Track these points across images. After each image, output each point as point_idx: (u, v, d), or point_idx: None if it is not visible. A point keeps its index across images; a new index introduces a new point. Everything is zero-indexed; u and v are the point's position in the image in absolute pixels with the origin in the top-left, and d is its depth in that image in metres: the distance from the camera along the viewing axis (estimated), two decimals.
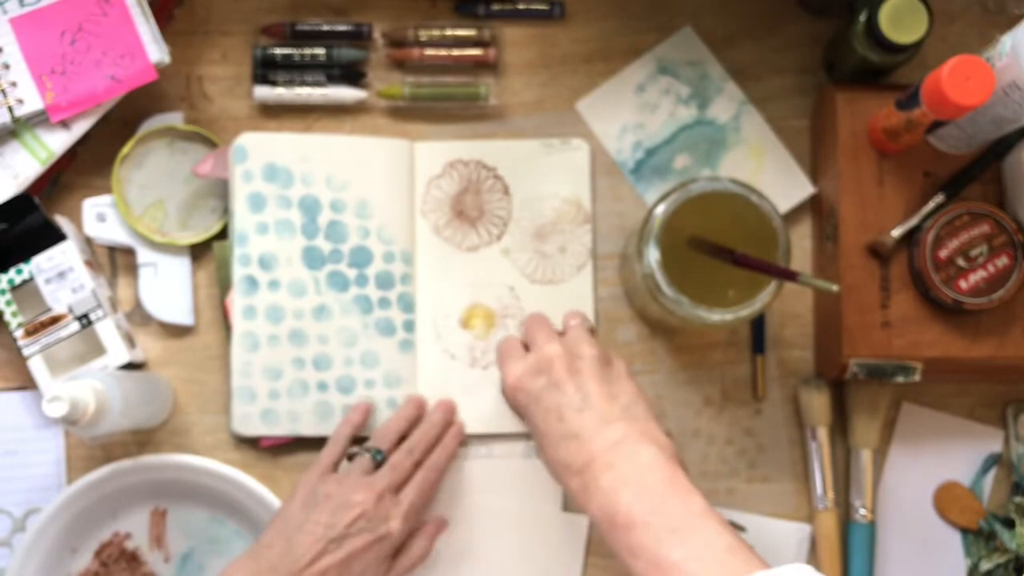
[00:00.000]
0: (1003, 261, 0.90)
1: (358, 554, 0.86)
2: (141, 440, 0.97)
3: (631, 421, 0.80)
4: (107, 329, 0.93)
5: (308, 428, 0.95)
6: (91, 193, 0.97)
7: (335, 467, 0.91)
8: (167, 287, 0.97)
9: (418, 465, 0.92)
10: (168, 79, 0.98)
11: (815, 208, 0.99)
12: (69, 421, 0.81)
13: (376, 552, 0.87)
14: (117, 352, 0.93)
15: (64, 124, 0.93)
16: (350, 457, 0.91)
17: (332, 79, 0.99)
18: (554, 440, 0.81)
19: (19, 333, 0.93)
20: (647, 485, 0.76)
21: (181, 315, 0.97)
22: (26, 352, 0.93)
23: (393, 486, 0.89)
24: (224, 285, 0.96)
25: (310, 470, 0.89)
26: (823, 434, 0.96)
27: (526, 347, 0.88)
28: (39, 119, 0.92)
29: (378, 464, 0.90)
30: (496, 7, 1.00)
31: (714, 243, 0.85)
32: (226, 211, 0.97)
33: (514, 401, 0.86)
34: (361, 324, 0.96)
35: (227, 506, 0.95)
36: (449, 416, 0.95)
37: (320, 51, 0.98)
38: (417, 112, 1.00)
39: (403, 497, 0.89)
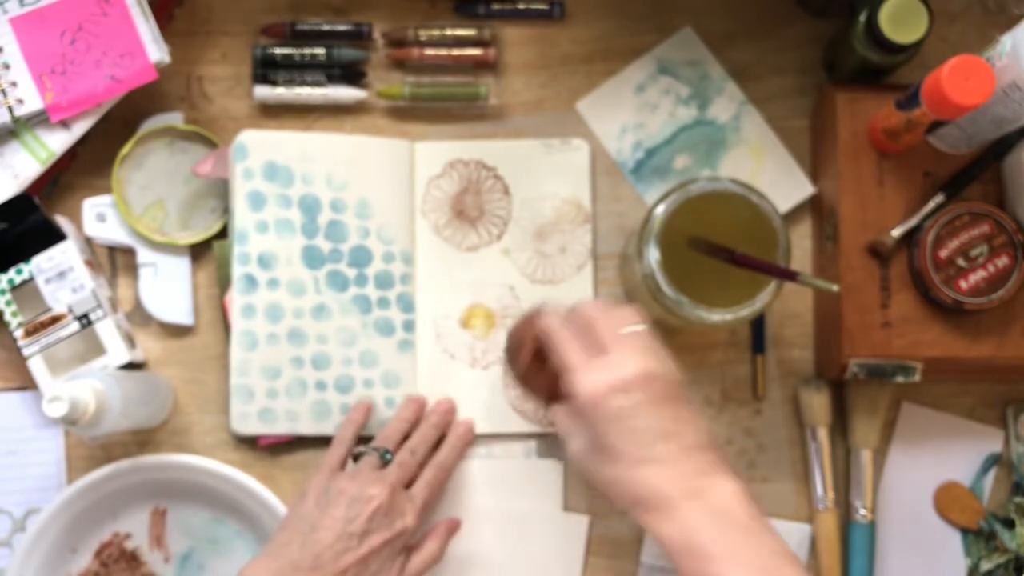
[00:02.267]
0: (1003, 261, 0.90)
1: (377, 550, 0.85)
2: (141, 440, 0.97)
3: (715, 451, 0.77)
4: (107, 329, 0.93)
5: (306, 427, 0.95)
6: (91, 193, 0.97)
7: (342, 467, 0.91)
8: (167, 287, 0.97)
9: (423, 466, 0.92)
10: (168, 79, 0.98)
11: (815, 208, 0.99)
12: (69, 421, 0.81)
13: (391, 548, 0.86)
14: (117, 352, 0.93)
15: (64, 124, 0.93)
16: (355, 457, 0.91)
17: (332, 79, 0.99)
18: (633, 462, 0.76)
19: (19, 333, 0.93)
20: (733, 519, 0.73)
21: (181, 315, 0.97)
22: (26, 352, 0.93)
23: (403, 482, 0.89)
24: (224, 284, 0.96)
25: (318, 472, 0.89)
26: (823, 434, 0.96)
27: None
28: (39, 119, 0.92)
29: (385, 463, 0.90)
30: (496, 7, 1.00)
31: (714, 243, 0.85)
32: (226, 211, 0.97)
33: (589, 410, 0.77)
34: (360, 324, 0.96)
35: (227, 506, 0.95)
36: (448, 417, 0.95)
37: (320, 51, 0.98)
38: (417, 112, 1.00)
39: (415, 492, 0.89)
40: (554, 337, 0.80)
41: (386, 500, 0.86)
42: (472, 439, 0.95)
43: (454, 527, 0.93)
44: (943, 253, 0.90)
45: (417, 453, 0.91)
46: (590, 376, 0.77)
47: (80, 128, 0.93)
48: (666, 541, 0.74)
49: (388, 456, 0.90)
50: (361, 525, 0.85)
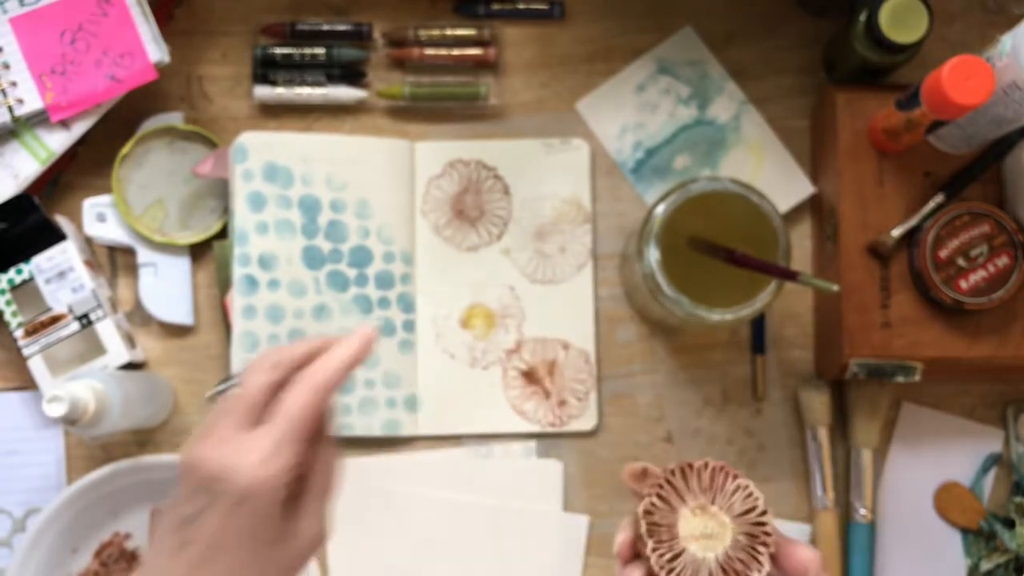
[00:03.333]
0: (1003, 261, 0.90)
1: (217, 542, 0.59)
2: (141, 440, 0.97)
3: None
4: (107, 329, 0.93)
5: None
6: (91, 193, 0.97)
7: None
8: (167, 287, 0.97)
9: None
10: (168, 79, 0.98)
11: (815, 208, 0.99)
12: (69, 421, 0.81)
13: (238, 529, 0.59)
14: (117, 352, 0.93)
15: (64, 124, 0.93)
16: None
17: (332, 79, 0.99)
18: None
19: (19, 333, 0.93)
20: None
21: (181, 315, 0.97)
22: (26, 352, 0.93)
23: (245, 420, 0.61)
24: (224, 285, 0.96)
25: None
26: (823, 434, 0.96)
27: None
28: (39, 119, 0.92)
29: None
30: (496, 7, 1.00)
31: (714, 243, 0.85)
32: (226, 211, 0.97)
33: None
34: (361, 324, 0.96)
35: None
36: (318, 344, 0.65)
37: (320, 51, 0.98)
38: (417, 112, 1.00)
39: (262, 432, 0.61)
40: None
41: (211, 463, 0.59)
42: (368, 349, 0.65)
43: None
44: (943, 253, 0.90)
45: (279, 366, 0.63)
46: None
47: (80, 128, 0.93)
48: None
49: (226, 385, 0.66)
50: (185, 510, 0.60)
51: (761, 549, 0.65)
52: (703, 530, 0.65)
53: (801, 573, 0.65)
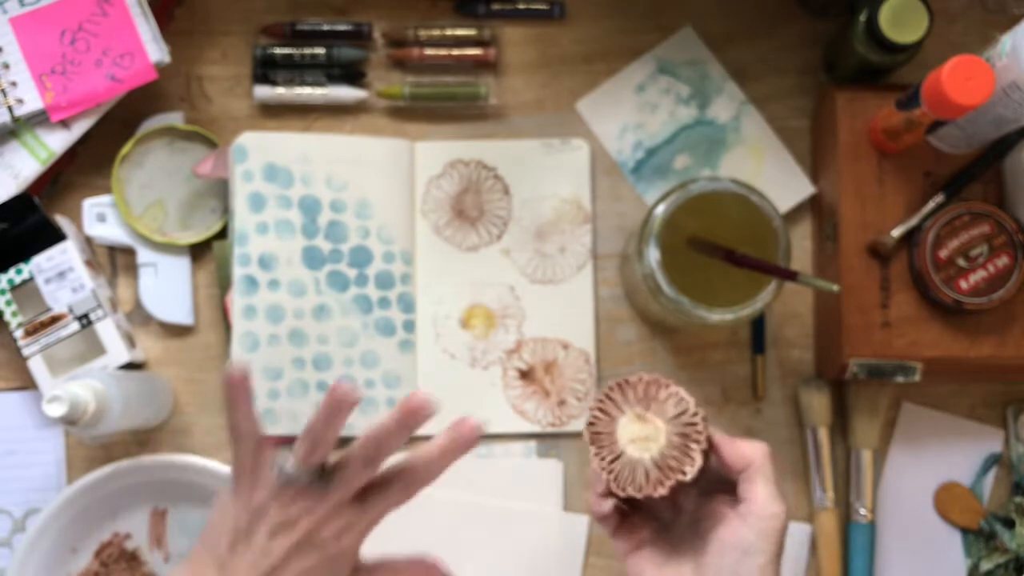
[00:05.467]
0: (1003, 261, 0.90)
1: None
2: (141, 440, 0.97)
3: None
4: (107, 329, 0.93)
5: None
6: (91, 193, 0.97)
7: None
8: (167, 287, 0.97)
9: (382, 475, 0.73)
10: (168, 79, 0.98)
11: (815, 208, 0.99)
12: (69, 421, 0.81)
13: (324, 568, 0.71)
14: (117, 352, 0.93)
15: (64, 124, 0.93)
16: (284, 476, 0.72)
17: (332, 79, 0.99)
18: None
19: (19, 333, 0.93)
20: None
21: (181, 315, 0.97)
22: (26, 352, 0.93)
23: (347, 500, 0.71)
24: (224, 285, 0.96)
25: (236, 486, 0.74)
26: (823, 434, 0.96)
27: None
28: (39, 119, 0.92)
29: (321, 482, 0.72)
30: (496, 7, 1.00)
31: (714, 243, 0.85)
32: (226, 211, 0.97)
33: (782, 531, 0.72)
34: (361, 324, 0.96)
35: None
36: (418, 416, 0.71)
37: (320, 51, 0.98)
38: (417, 112, 1.00)
39: (368, 508, 0.72)
40: (764, 468, 0.73)
41: (314, 527, 0.70)
42: (474, 443, 0.73)
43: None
44: (943, 253, 0.90)
45: (373, 461, 0.71)
46: (781, 505, 0.72)
47: (80, 128, 0.93)
48: None
49: (321, 476, 0.71)
50: (279, 558, 0.70)
51: (693, 446, 0.71)
52: (639, 434, 0.73)
53: (746, 465, 0.72)
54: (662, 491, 0.71)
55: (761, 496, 0.72)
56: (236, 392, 0.71)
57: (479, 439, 0.73)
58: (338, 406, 0.70)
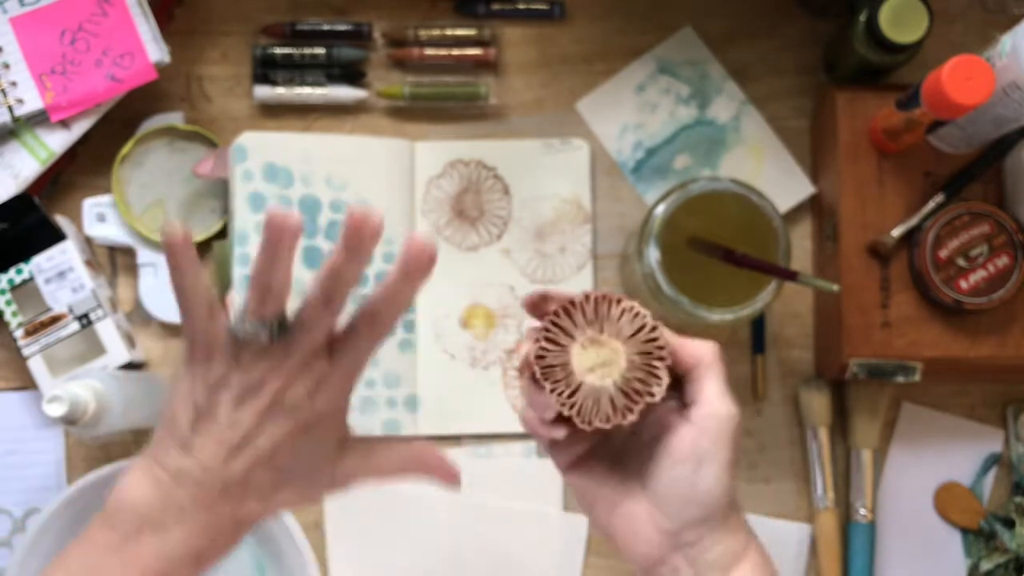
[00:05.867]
0: (1003, 261, 0.90)
1: (280, 444, 0.62)
2: (141, 440, 0.97)
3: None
4: (107, 329, 0.93)
5: None
6: (91, 193, 0.97)
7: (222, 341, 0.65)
8: (167, 287, 0.96)
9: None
10: (168, 79, 0.98)
11: (815, 208, 0.99)
12: (69, 421, 0.81)
13: (307, 431, 0.63)
14: (117, 352, 0.93)
15: (64, 124, 0.93)
16: (236, 335, 0.65)
17: (332, 79, 0.99)
18: (726, 486, 0.67)
19: (19, 333, 0.93)
20: None
21: None
22: (26, 352, 0.93)
23: (314, 350, 0.63)
24: (224, 285, 0.96)
25: (189, 355, 0.67)
26: (823, 434, 0.96)
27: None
28: (39, 119, 0.92)
29: (281, 335, 0.64)
30: (496, 7, 1.00)
31: (714, 243, 0.85)
32: (226, 211, 0.97)
33: (735, 434, 0.68)
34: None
35: None
36: (364, 233, 0.64)
37: (320, 51, 0.98)
38: (417, 112, 1.00)
39: (339, 360, 0.63)
40: (713, 365, 0.67)
41: (282, 387, 0.62)
42: (430, 256, 0.64)
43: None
44: (943, 253, 0.90)
45: (332, 300, 0.62)
46: (732, 404, 0.67)
47: (80, 128, 0.93)
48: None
49: (280, 329, 0.63)
50: (248, 427, 0.62)
51: (657, 364, 0.64)
52: (596, 360, 0.64)
53: (695, 363, 0.64)
54: (632, 417, 0.63)
55: (713, 396, 0.65)
56: (178, 253, 0.62)
57: (434, 253, 0.64)
58: (278, 235, 0.60)
